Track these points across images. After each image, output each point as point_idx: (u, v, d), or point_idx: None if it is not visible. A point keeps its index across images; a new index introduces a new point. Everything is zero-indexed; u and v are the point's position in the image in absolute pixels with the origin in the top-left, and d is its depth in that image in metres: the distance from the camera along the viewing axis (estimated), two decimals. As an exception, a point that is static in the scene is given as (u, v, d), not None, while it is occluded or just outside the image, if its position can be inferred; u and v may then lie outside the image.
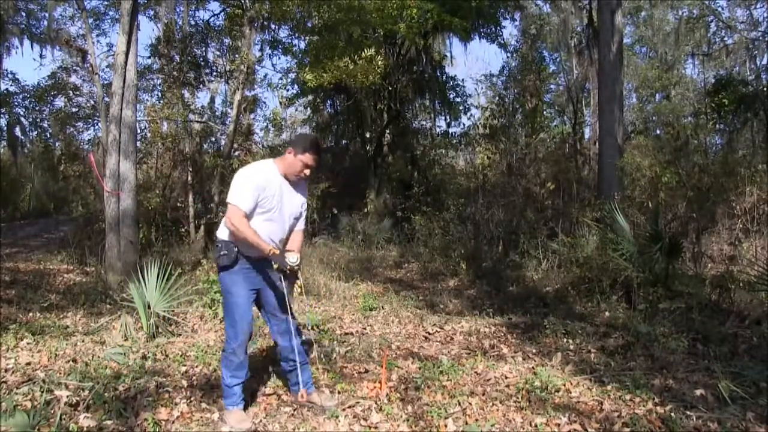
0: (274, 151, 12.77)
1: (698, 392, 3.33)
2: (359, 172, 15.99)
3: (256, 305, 3.22)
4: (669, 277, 5.75)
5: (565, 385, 3.54)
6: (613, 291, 6.00)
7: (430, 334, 5.11)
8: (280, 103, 16.19)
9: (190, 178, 11.57)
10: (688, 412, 3.08)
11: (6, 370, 3.63)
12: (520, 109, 15.76)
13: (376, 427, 3.03)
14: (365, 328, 5.28)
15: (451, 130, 16.70)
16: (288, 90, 15.45)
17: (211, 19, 14.09)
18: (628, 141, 14.70)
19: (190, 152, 11.80)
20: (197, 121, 12.73)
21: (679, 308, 5.18)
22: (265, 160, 3.19)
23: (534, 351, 4.42)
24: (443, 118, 16.80)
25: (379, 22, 10.95)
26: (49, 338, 4.51)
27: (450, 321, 5.54)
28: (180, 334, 4.84)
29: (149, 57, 13.74)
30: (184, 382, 3.59)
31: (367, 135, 16.43)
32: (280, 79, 15.48)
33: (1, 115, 17.30)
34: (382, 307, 6.16)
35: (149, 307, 4.76)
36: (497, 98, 17.01)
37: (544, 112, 18.61)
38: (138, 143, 9.77)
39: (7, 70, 16.69)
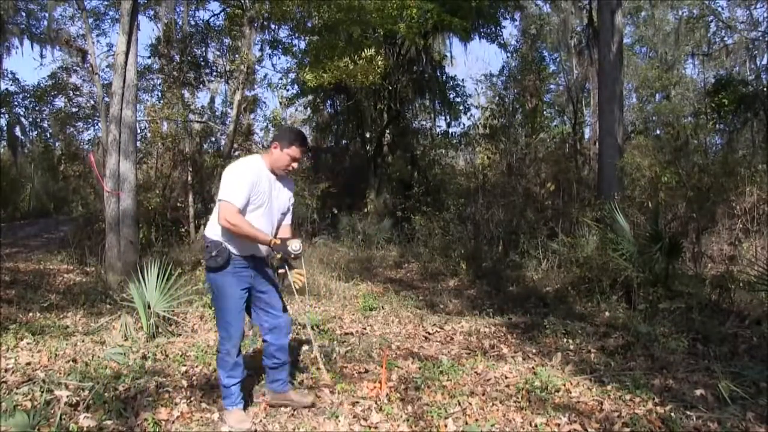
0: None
1: (698, 392, 3.33)
2: (359, 172, 15.97)
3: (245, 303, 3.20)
4: (669, 277, 5.75)
5: (565, 385, 3.54)
6: (613, 291, 6.00)
7: (430, 334, 5.11)
8: (280, 103, 16.20)
9: (190, 178, 11.58)
10: (688, 412, 3.07)
11: (6, 370, 3.63)
12: (520, 109, 15.74)
13: (376, 427, 3.03)
14: (365, 328, 5.28)
15: (451, 130, 16.72)
16: (288, 90, 15.48)
17: (211, 19, 14.16)
18: (628, 141, 14.69)
19: (190, 152, 11.82)
20: (197, 121, 12.74)
21: (679, 308, 5.18)
22: (253, 156, 3.18)
23: (534, 351, 4.42)
24: (443, 118, 16.79)
25: (379, 22, 10.94)
26: (49, 338, 4.51)
27: (450, 321, 5.54)
28: (180, 334, 4.84)
29: (149, 57, 13.80)
30: (184, 382, 3.59)
31: (367, 135, 16.41)
32: (280, 79, 15.52)
33: (1, 115, 17.36)
34: (382, 307, 6.16)
35: (149, 307, 4.75)
36: (497, 98, 17.01)
37: (544, 112, 18.57)
38: (138, 143, 9.78)
39: (7, 70, 16.75)
